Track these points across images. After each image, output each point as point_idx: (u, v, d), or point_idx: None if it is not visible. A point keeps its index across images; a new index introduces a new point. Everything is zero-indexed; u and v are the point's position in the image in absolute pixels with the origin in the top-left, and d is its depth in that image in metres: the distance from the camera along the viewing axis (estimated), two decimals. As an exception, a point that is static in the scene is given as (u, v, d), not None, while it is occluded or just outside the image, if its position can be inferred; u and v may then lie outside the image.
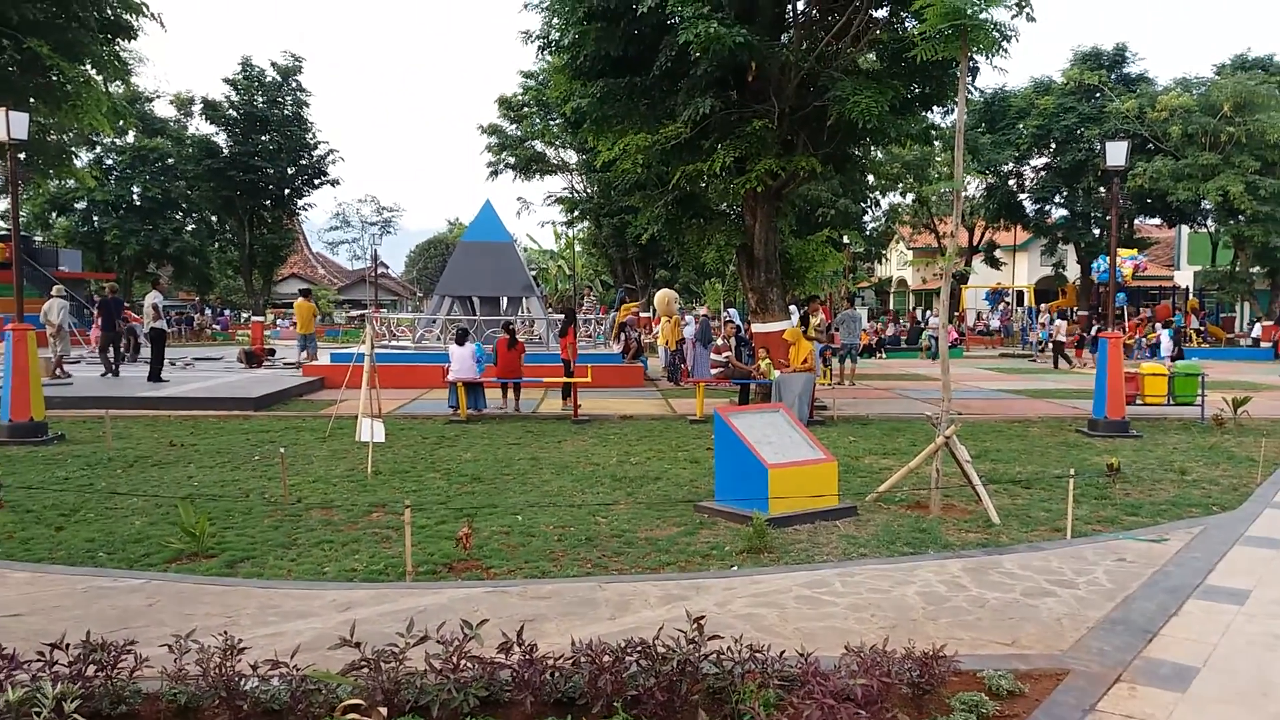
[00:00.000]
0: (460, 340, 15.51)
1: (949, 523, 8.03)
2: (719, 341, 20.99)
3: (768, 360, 15.16)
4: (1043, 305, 41.64)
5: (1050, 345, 29.73)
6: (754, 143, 14.46)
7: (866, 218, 38.65)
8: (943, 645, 4.39)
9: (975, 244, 45.39)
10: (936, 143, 25.61)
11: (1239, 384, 20.40)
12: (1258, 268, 37.58)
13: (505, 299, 24.96)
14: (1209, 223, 38.85)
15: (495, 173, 35.13)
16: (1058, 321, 30.44)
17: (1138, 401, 14.76)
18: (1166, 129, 34.30)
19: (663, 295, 24.37)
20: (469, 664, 4.14)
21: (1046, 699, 4.36)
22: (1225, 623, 5.50)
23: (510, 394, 16.09)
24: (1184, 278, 46.32)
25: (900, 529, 7.77)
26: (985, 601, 5.82)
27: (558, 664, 4.20)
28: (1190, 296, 41.55)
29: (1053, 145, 39.92)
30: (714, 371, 17.66)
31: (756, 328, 16.52)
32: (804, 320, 17.05)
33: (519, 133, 35.11)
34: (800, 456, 8.51)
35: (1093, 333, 27.02)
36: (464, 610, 5.43)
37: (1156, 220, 43.72)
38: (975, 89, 15.61)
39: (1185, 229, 45.98)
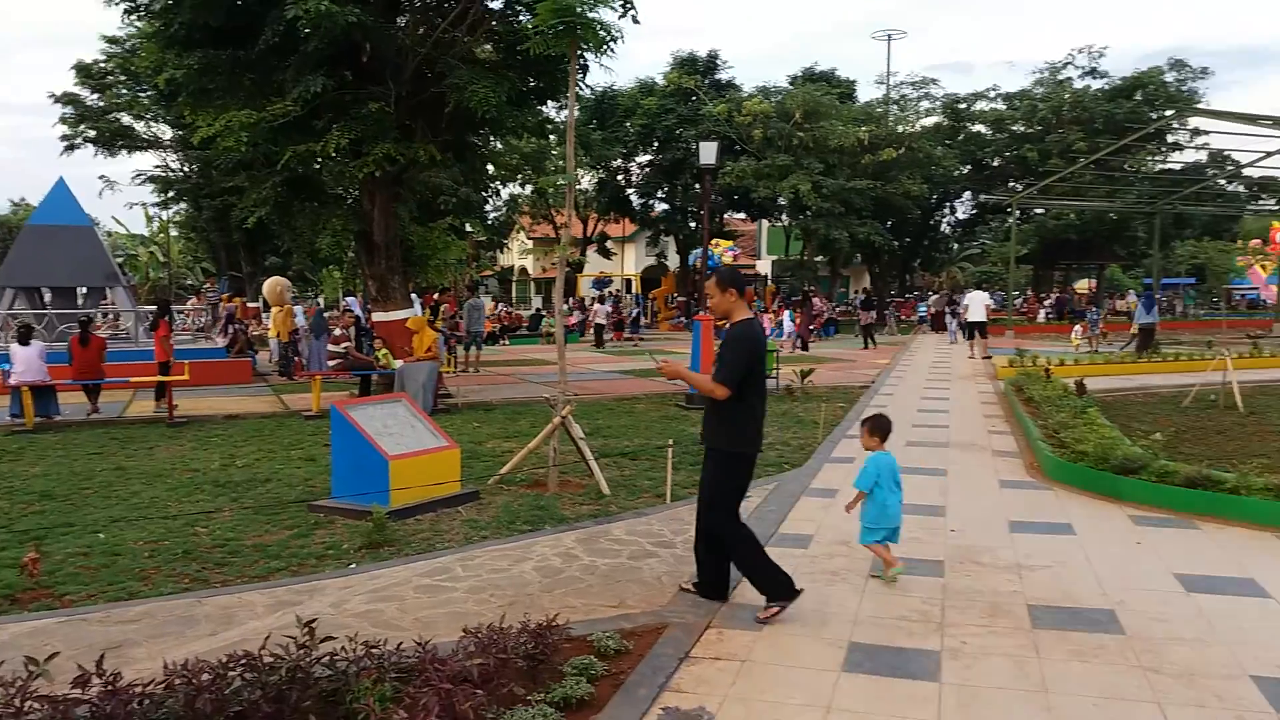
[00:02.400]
0: (23, 339, 13.50)
1: (565, 498, 8.42)
2: (337, 331, 20.20)
3: (385, 350, 14.86)
4: (651, 293, 44.93)
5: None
6: (370, 126, 14.02)
7: (488, 207, 39.14)
8: (555, 615, 4.61)
9: (589, 235, 47.72)
10: (552, 136, 26.53)
11: (806, 358, 23.44)
12: (821, 257, 43.30)
13: (84, 290, 22.07)
14: (784, 217, 44.06)
15: (72, 147, 30.81)
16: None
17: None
18: (751, 132, 38.31)
19: (273, 283, 22.93)
20: (36, 705, 3.63)
21: (649, 653, 4.73)
22: (793, 566, 6.29)
23: (89, 397, 14.29)
24: (764, 266, 52.26)
25: (520, 508, 8.01)
26: (596, 568, 6.18)
27: (147, 691, 3.81)
28: (769, 283, 46.93)
29: (656, 143, 42.97)
30: (331, 364, 16.95)
31: (378, 316, 16.10)
32: (433, 309, 16.90)
33: (102, 103, 31.08)
34: (422, 446, 8.46)
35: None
36: (31, 645, 4.76)
37: (742, 214, 48.77)
38: (586, 86, 16.38)
39: (765, 223, 51.90)
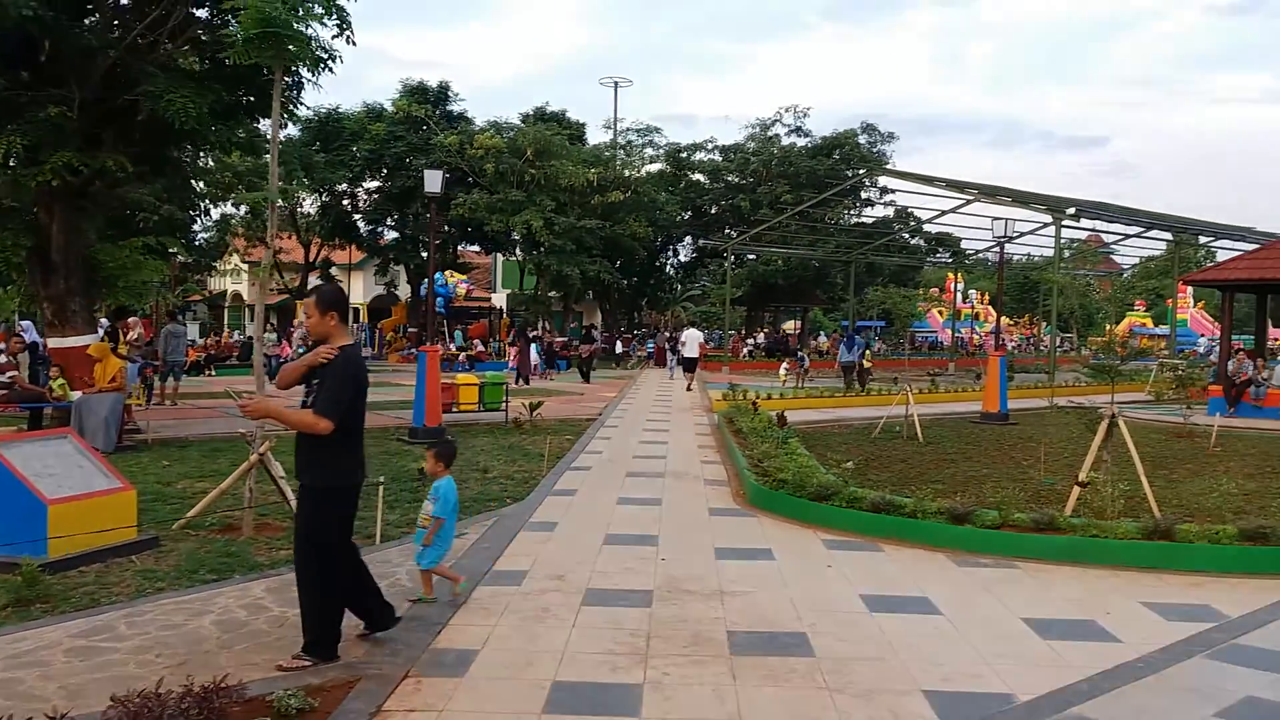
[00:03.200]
0: None
1: (261, 542, 7.73)
2: (2, 359, 17.74)
3: (61, 380, 13.20)
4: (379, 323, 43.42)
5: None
6: (49, 132, 12.49)
7: (196, 227, 36.18)
8: (225, 676, 4.13)
9: (312, 261, 45.44)
10: (269, 155, 24.99)
11: (538, 390, 23.49)
12: (554, 292, 43.81)
13: None
14: (518, 251, 44.23)
15: None
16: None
17: (454, 409, 16.03)
18: (483, 165, 38.18)
19: (-78, 304, 19.80)
20: None
21: (336, 710, 4.35)
22: (505, 604, 6.12)
23: None
24: (499, 299, 52.16)
25: (206, 555, 7.25)
26: (286, 619, 5.66)
27: None
28: (504, 315, 46.86)
29: (385, 170, 41.76)
30: (-7, 395, 14.81)
31: (54, 343, 14.26)
32: (112, 335, 15.21)
33: None
34: (90, 488, 7.48)
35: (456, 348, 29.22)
36: None
37: (476, 247, 48.44)
38: (306, 105, 15.58)
39: (500, 256, 51.86)
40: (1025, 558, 7.50)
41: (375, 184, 43.07)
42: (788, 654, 5.25)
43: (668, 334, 39.90)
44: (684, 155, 48.08)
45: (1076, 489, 8.69)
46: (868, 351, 33.77)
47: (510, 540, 7.88)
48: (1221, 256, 36.68)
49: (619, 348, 42.85)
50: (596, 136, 48.79)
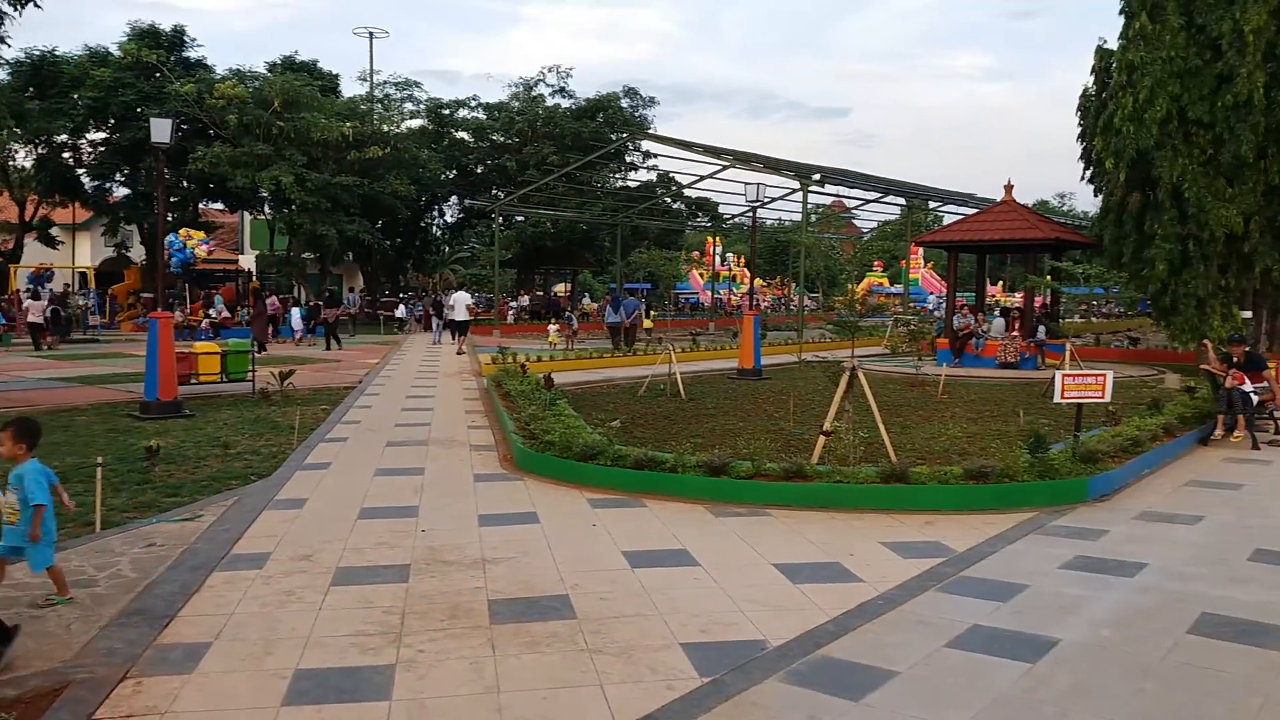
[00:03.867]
0: None
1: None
2: None
3: None
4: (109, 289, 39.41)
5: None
6: None
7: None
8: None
9: (28, 220, 40.50)
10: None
11: (291, 358, 22.16)
12: (309, 253, 41.47)
13: None
14: (266, 209, 41.42)
15: None
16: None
17: (193, 380, 14.77)
18: (224, 117, 35.30)
19: None
20: None
21: (34, 725, 3.80)
22: (244, 590, 5.64)
23: None
24: (248, 261, 48.75)
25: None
26: (-24, 627, 4.92)
27: None
28: (253, 278, 43.86)
29: (112, 120, 37.71)
30: None
31: None
32: None
33: None
34: None
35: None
36: None
37: (220, 204, 44.94)
38: (9, 44, 13.52)
39: (247, 215, 48.39)
40: (778, 505, 7.82)
41: (102, 136, 38.85)
42: (549, 618, 5.16)
43: (433, 297, 38.78)
44: (447, 112, 46.74)
45: (822, 438, 9.16)
46: (652, 313, 34.46)
47: (252, 521, 7.30)
48: (947, 220, 40.22)
49: (391, 311, 41.22)
50: (352, 89, 46.51)
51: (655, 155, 43.12)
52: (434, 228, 52.52)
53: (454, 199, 49.59)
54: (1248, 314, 21.34)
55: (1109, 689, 4.29)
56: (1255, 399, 11.44)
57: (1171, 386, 16.06)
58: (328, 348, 27.21)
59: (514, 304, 45.17)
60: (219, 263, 45.96)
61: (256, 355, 16.62)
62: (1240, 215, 17.66)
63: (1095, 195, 21.61)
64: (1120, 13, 18.78)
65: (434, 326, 32.00)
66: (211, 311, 32.07)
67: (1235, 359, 11.67)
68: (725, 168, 33.36)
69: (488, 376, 17.02)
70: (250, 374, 15.60)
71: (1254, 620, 5.15)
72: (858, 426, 9.58)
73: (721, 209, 47.94)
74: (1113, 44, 19.68)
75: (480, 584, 5.77)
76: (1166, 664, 4.58)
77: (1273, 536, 6.97)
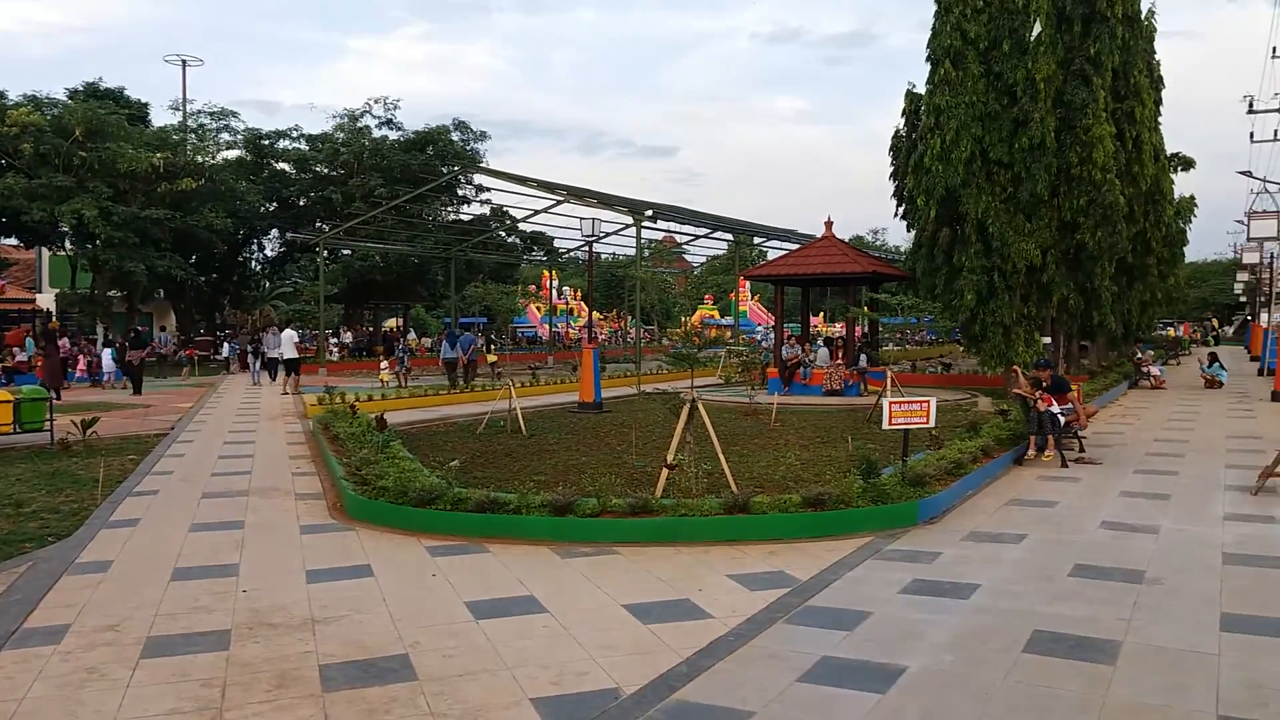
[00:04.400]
0: None
1: None
2: None
3: None
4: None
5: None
6: None
7: None
8: None
9: None
10: None
11: (95, 404, 20.45)
12: (115, 291, 38.64)
13: None
14: (68, 244, 38.37)
15: None
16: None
17: (-19, 433, 13.33)
18: (18, 146, 32.56)
19: None
20: None
21: None
22: (38, 670, 5.01)
23: None
24: (46, 300, 44.99)
25: None
26: None
27: None
28: (53, 318, 40.47)
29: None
30: None
31: None
32: None
33: None
34: None
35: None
36: None
37: (14, 240, 41.31)
38: None
39: (45, 250, 44.69)
40: (624, 542, 7.70)
41: None
42: (388, 681, 4.81)
43: (250, 335, 36.78)
44: (267, 143, 44.77)
45: (665, 471, 9.13)
46: (493, 346, 33.85)
47: (49, 588, 6.56)
48: (772, 255, 41.68)
49: (209, 351, 38.75)
50: (163, 118, 43.87)
51: (489, 189, 42.69)
52: (253, 262, 50.07)
53: (275, 232, 47.46)
54: (1048, 340, 23.04)
55: (957, 715, 4.36)
56: (1062, 420, 12.26)
57: (985, 409, 17.04)
58: (136, 392, 25.30)
59: (335, 341, 43.42)
60: (13, 302, 42.27)
61: (55, 402, 15.20)
62: (1038, 248, 19.05)
63: (908, 230, 22.87)
64: (927, 60, 20.02)
65: (252, 366, 30.33)
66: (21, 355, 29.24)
67: (1043, 383, 12.48)
68: (559, 202, 33.39)
69: (314, 418, 16.20)
70: (48, 423, 14.24)
71: (1081, 635, 5.40)
72: (699, 458, 9.62)
73: (557, 243, 47.96)
74: (921, 89, 20.94)
75: (310, 647, 5.35)
76: (1008, 685, 4.71)
77: (1089, 552, 7.40)
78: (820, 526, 8.06)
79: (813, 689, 4.68)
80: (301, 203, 45.60)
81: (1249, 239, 27.64)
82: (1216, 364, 25.37)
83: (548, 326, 53.96)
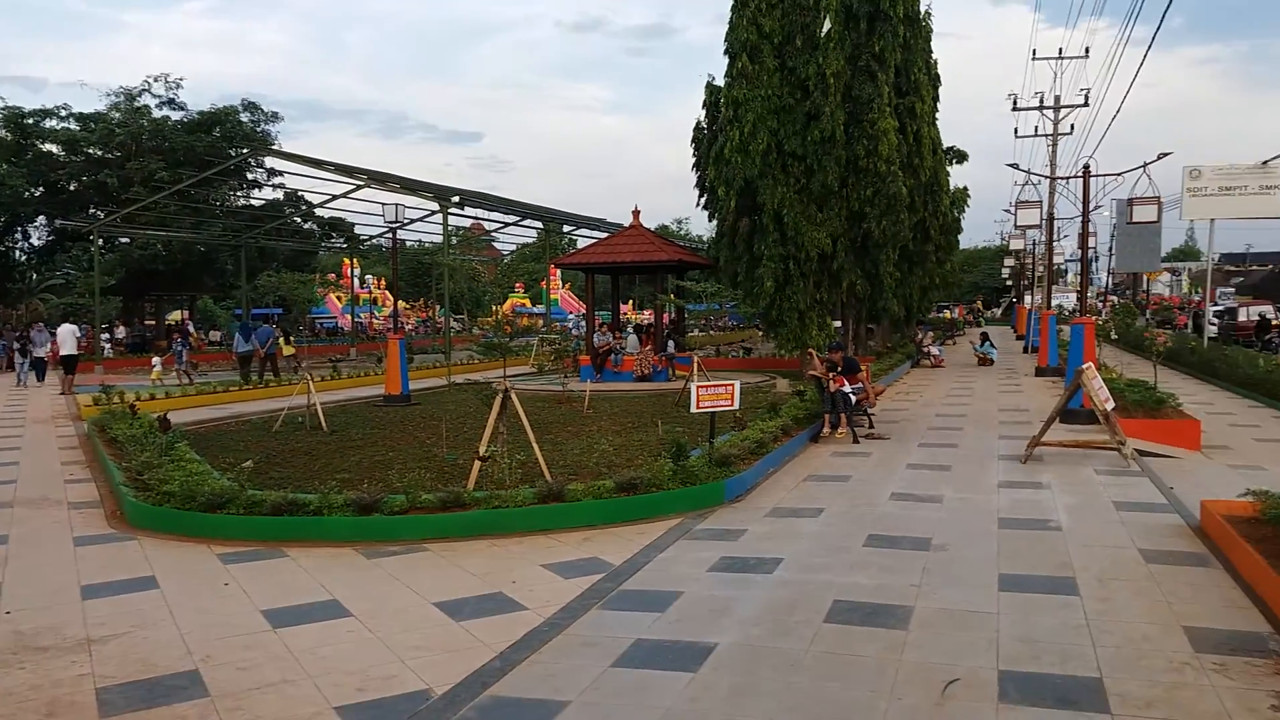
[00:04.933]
0: None
1: None
2: None
3: None
4: None
5: None
6: None
7: None
8: None
9: None
10: None
11: None
12: None
13: None
14: None
15: None
16: None
17: None
18: None
19: None
20: None
21: None
22: None
23: None
24: None
25: None
26: None
27: None
28: None
29: None
30: None
31: None
32: None
33: None
34: None
35: None
36: None
37: None
38: None
39: None
40: (435, 538, 7.51)
41: None
42: (175, 701, 4.46)
43: (16, 332, 33.34)
44: (30, 122, 40.68)
45: (477, 463, 8.97)
46: (291, 338, 32.05)
47: None
48: (582, 243, 41.84)
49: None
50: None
51: (282, 173, 40.51)
52: (16, 252, 45.46)
53: (42, 219, 43.26)
54: (839, 323, 24.31)
55: (765, 688, 4.50)
56: (854, 399, 12.96)
57: (783, 391, 17.78)
58: None
59: (107, 337, 39.99)
60: None
61: None
62: (829, 237, 20.05)
63: (710, 220, 23.50)
64: (725, 53, 20.59)
65: (18, 366, 27.54)
66: None
67: (836, 364, 13.14)
68: (359, 187, 32.10)
69: (89, 420, 14.89)
70: None
71: (876, 603, 5.70)
72: (513, 448, 9.50)
73: (358, 230, 46.19)
74: (720, 81, 21.53)
75: (86, 669, 4.89)
76: (812, 655, 4.90)
77: (880, 523, 7.85)
78: (633, 510, 8.14)
79: (627, 673, 4.71)
80: (73, 187, 41.82)
81: (1015, 227, 30.15)
82: (988, 343, 27.64)
83: (350, 317, 52.02)
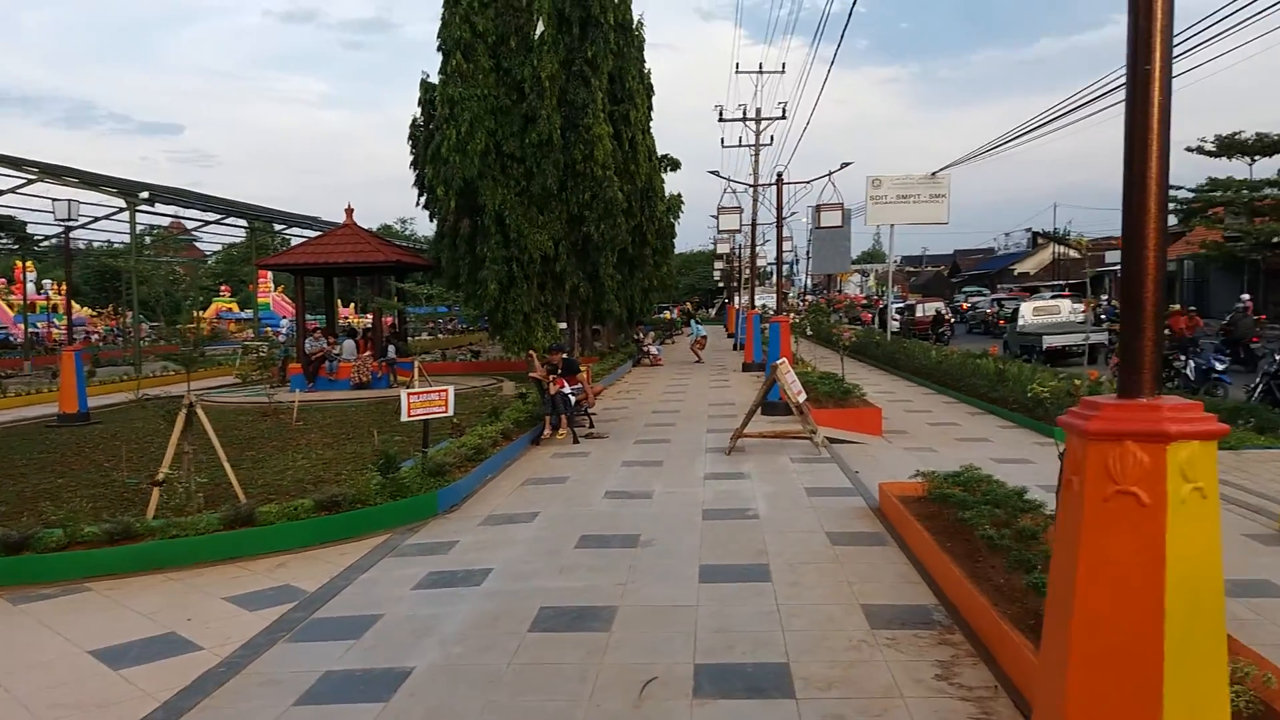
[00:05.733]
0: None
1: None
2: None
3: None
4: None
5: None
6: None
7: None
8: None
9: None
10: None
11: None
12: None
13: None
14: None
15: None
16: None
17: None
18: None
19: None
20: None
21: None
22: None
23: None
24: None
25: None
26: None
27: None
28: None
29: None
30: None
31: None
32: None
33: None
34: None
35: None
36: None
37: None
38: None
39: None
40: (100, 576, 6.65)
41: None
42: None
43: None
44: None
45: (156, 490, 8.07)
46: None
47: None
48: (295, 243, 39.48)
49: None
50: None
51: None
52: None
53: None
54: (564, 325, 24.56)
55: (462, 709, 4.29)
56: (574, 399, 13.04)
57: (509, 393, 17.65)
58: None
59: None
60: None
61: None
62: (551, 239, 20.18)
63: (431, 220, 22.94)
64: (439, 50, 20.15)
65: None
66: None
67: (557, 366, 13.16)
68: (30, 181, 28.42)
69: None
70: None
71: (583, 605, 5.66)
72: (201, 468, 8.66)
73: (33, 229, 40.95)
74: (436, 79, 21.05)
75: None
76: (514, 668, 4.76)
77: (593, 522, 7.88)
78: (335, 530, 7.65)
79: (311, 710, 4.33)
80: None
81: (719, 231, 31.88)
82: (694, 321, 29.18)
83: (23, 326, 46.11)
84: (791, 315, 28.62)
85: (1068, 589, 2.66)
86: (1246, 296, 21.66)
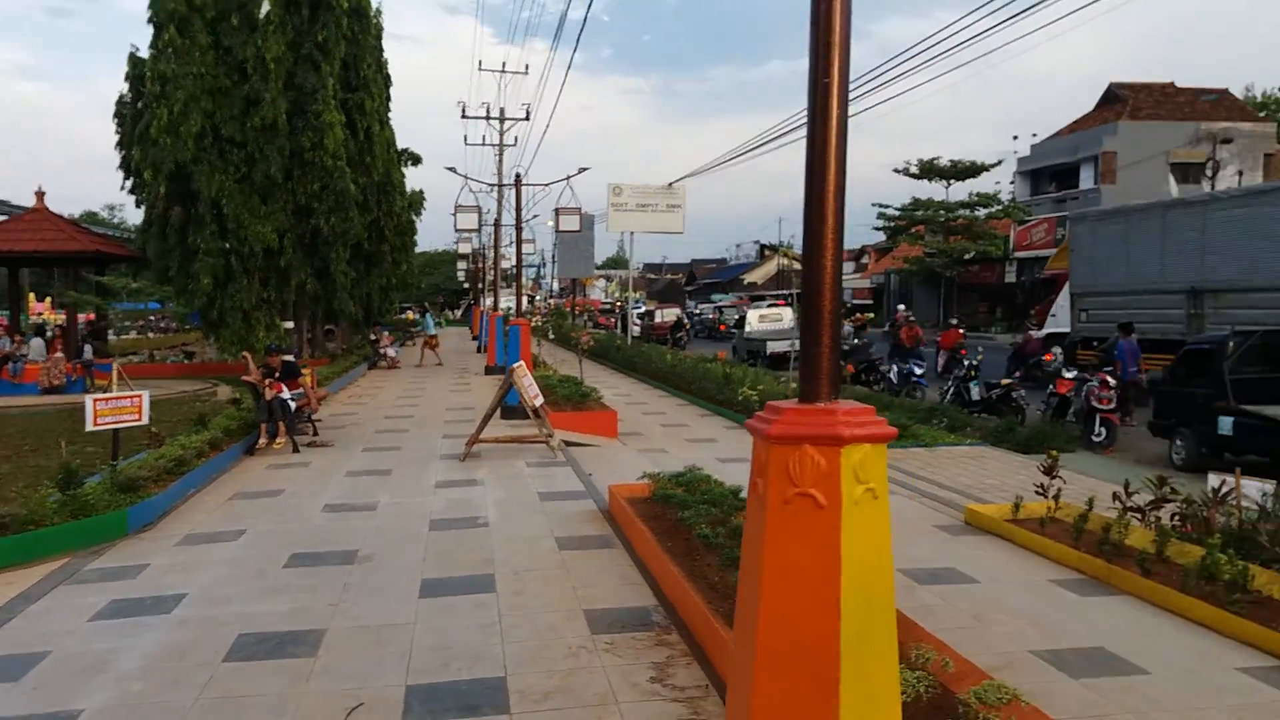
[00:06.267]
0: None
1: None
2: None
3: None
4: None
5: None
6: None
7: None
8: None
9: None
10: None
11: None
12: None
13: None
14: None
15: None
16: None
17: None
18: None
19: None
20: None
21: None
22: None
23: None
24: None
25: None
26: None
27: None
28: None
29: None
30: None
31: None
32: None
33: None
34: None
35: None
36: None
37: None
38: None
39: None
40: None
41: None
42: None
43: None
44: None
45: None
46: None
47: None
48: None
49: None
50: None
51: None
52: None
53: None
54: (290, 324, 23.15)
55: (132, 757, 3.82)
56: (294, 405, 12.24)
57: (222, 399, 16.36)
58: None
59: None
60: None
61: None
62: (275, 231, 18.92)
63: (138, 207, 20.87)
64: (149, 22, 18.35)
65: None
66: None
67: (274, 369, 12.30)
68: None
69: None
70: None
71: (287, 630, 5.24)
72: None
73: None
74: (146, 53, 19.16)
75: None
76: (202, 704, 4.30)
77: (308, 538, 7.37)
78: (3, 556, 6.68)
79: (-58, 775, 3.70)
80: None
81: (456, 230, 31.34)
82: (427, 315, 28.66)
83: None
84: (534, 318, 28.67)
85: (754, 589, 2.72)
86: (902, 307, 24.06)
